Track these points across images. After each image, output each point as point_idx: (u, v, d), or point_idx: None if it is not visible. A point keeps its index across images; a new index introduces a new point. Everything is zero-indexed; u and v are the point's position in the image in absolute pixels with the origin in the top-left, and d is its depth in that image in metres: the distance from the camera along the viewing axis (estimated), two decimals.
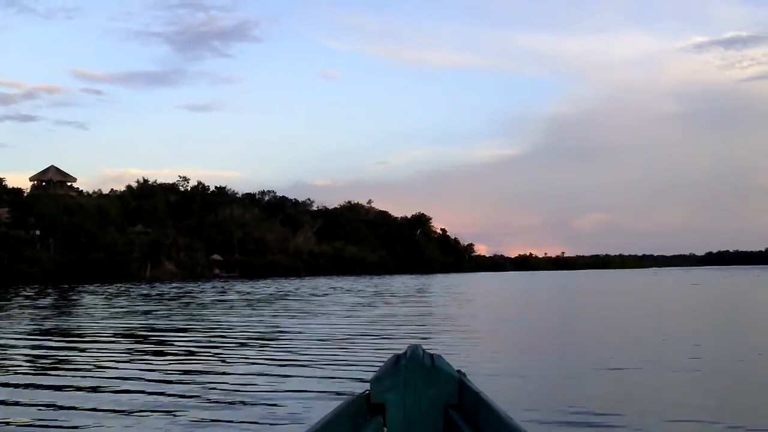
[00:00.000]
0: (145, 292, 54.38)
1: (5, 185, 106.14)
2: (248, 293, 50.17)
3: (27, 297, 47.49)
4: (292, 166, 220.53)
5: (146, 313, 29.76)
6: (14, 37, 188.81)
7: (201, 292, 52.48)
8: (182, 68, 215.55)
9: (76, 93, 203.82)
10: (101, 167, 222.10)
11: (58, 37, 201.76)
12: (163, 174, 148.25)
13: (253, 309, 31.86)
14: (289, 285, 68.80)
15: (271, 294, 48.32)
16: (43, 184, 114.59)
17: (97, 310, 32.53)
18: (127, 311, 31.19)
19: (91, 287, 65.44)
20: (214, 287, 62.98)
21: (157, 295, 48.34)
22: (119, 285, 72.70)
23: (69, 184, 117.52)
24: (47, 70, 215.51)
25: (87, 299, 43.41)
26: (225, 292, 51.48)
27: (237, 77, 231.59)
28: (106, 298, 44.98)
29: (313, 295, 46.79)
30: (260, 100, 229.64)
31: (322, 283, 75.63)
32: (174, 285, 70.63)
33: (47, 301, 42.12)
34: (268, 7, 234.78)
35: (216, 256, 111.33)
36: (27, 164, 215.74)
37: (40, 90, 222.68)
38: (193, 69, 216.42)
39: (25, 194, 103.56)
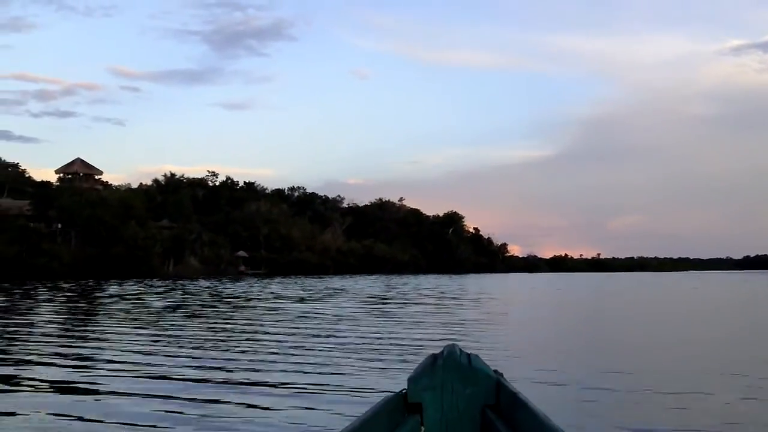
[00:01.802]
0: (173, 288, 51.89)
1: (30, 178, 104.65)
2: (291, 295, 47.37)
3: (51, 294, 45.10)
4: (324, 164, 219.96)
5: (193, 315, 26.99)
6: (54, 34, 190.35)
7: (244, 292, 49.43)
8: (218, 67, 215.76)
9: (115, 90, 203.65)
10: (137, 164, 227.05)
11: (97, 35, 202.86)
12: (197, 170, 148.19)
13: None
14: (331, 283, 66.21)
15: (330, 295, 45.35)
16: (69, 177, 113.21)
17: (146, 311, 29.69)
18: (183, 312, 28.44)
19: (112, 283, 63.13)
20: (250, 286, 60.02)
21: (196, 292, 45.35)
22: (138, 280, 70.49)
23: (96, 177, 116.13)
24: (86, 68, 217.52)
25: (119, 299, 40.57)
26: (267, 295, 48.54)
27: (272, 76, 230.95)
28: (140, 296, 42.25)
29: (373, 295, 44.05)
30: (294, 98, 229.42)
31: (364, 281, 73.10)
32: (207, 283, 68.08)
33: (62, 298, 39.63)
34: (304, 6, 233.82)
35: (241, 253, 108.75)
36: (64, 160, 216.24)
37: (79, 87, 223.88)
38: (229, 67, 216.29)
39: (53, 187, 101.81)
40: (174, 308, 30.24)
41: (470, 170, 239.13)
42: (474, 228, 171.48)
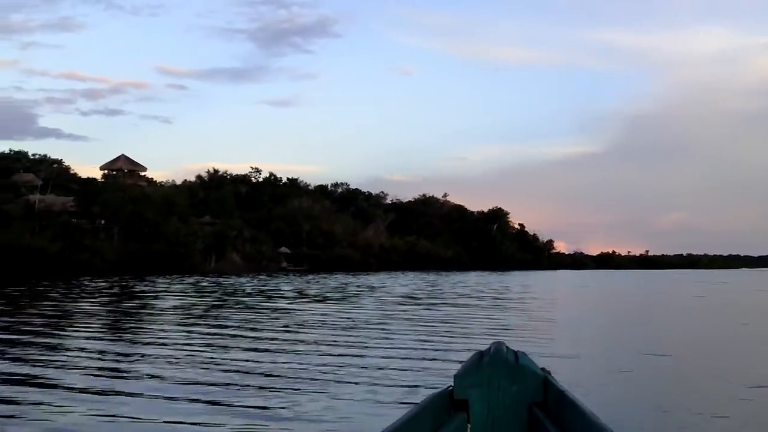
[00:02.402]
0: (204, 284, 51.27)
1: (75, 174, 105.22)
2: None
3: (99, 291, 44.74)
4: (368, 161, 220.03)
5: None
6: (103, 33, 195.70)
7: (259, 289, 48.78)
8: (264, 64, 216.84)
9: (162, 88, 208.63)
10: (182, 161, 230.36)
11: (145, 34, 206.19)
12: (241, 168, 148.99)
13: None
14: (368, 280, 65.35)
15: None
16: (113, 173, 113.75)
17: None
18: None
19: (153, 279, 62.86)
20: (307, 283, 59.37)
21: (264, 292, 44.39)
22: (179, 276, 70.22)
23: (140, 173, 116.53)
24: (134, 66, 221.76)
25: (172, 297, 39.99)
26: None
27: (316, 73, 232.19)
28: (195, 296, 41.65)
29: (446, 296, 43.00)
30: (339, 95, 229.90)
31: (403, 278, 72.11)
32: (254, 280, 67.52)
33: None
34: (348, 3, 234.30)
35: (284, 249, 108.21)
36: (111, 157, 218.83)
37: (127, 85, 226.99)
38: (274, 65, 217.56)
39: (97, 184, 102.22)
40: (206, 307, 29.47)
41: (515, 166, 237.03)
42: (519, 224, 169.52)
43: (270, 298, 37.32)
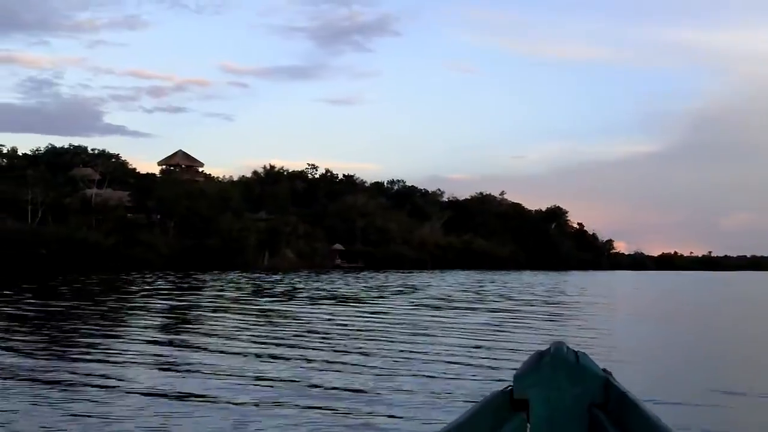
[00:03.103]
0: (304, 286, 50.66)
1: (134, 169, 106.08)
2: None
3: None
4: (427, 159, 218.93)
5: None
6: (167, 32, 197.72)
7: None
8: (323, 62, 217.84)
9: (224, 86, 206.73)
10: (242, 158, 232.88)
11: (208, 32, 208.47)
12: (299, 165, 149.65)
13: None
14: (415, 279, 64.24)
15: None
16: (171, 168, 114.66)
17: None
18: None
19: (208, 274, 62.66)
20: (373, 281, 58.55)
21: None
22: (235, 272, 70.01)
23: (198, 169, 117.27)
24: (197, 64, 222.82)
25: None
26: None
27: (376, 71, 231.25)
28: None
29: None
30: (398, 93, 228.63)
31: (453, 277, 70.88)
32: (310, 278, 66.96)
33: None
34: (408, 1, 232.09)
35: (338, 246, 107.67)
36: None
37: (190, 83, 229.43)
38: (334, 63, 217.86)
39: (153, 179, 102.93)
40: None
41: (575, 165, 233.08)
42: (578, 223, 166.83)
43: (338, 298, 36.39)
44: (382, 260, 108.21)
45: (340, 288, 45.87)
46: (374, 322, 23.29)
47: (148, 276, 59.33)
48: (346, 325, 22.14)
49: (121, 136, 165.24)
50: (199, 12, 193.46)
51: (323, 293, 39.08)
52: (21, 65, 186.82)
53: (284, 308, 29.06)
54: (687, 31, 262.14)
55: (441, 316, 26.02)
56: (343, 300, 34.30)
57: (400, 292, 41.63)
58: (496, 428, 1.96)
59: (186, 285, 47.09)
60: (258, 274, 68.71)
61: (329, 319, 23.91)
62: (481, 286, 52.15)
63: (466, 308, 30.25)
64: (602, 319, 27.02)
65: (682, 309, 36.20)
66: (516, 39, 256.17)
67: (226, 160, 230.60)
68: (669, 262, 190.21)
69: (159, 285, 46.29)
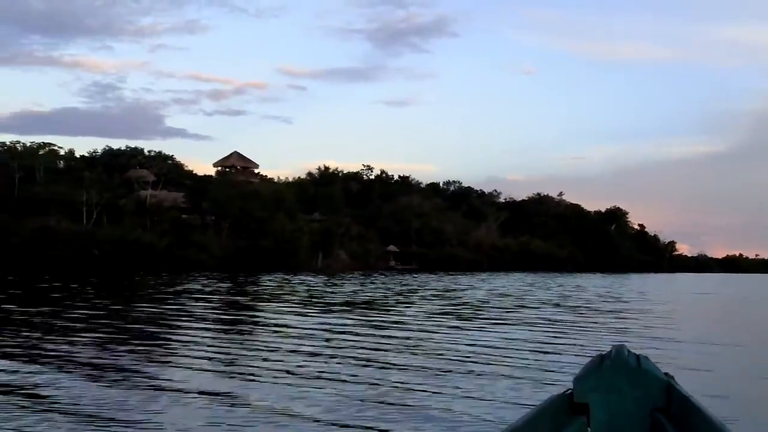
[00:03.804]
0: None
1: (189, 171, 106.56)
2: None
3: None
4: (485, 160, 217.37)
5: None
6: (226, 35, 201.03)
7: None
8: (381, 64, 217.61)
9: (282, 89, 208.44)
10: (300, 159, 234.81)
11: (266, 35, 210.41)
12: (354, 166, 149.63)
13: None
14: (460, 281, 62.85)
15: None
16: (226, 169, 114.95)
17: None
18: None
19: (261, 276, 62.18)
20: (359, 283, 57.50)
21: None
22: (290, 274, 69.50)
23: (252, 170, 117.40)
24: (256, 67, 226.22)
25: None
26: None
27: (433, 72, 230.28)
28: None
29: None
30: (456, 95, 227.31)
31: (502, 280, 69.34)
32: (364, 280, 66.09)
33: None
34: (466, 2, 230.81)
35: (392, 247, 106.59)
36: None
37: (249, 86, 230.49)
38: (391, 65, 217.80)
39: (207, 180, 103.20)
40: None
41: (635, 166, 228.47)
42: (639, 225, 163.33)
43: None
44: (436, 262, 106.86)
45: (361, 292, 43.86)
46: (365, 334, 19.88)
47: (201, 277, 59.02)
48: (313, 334, 19.36)
49: (182, 138, 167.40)
50: (258, 16, 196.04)
51: (338, 298, 36.85)
52: (85, 70, 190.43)
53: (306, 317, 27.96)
54: (748, 29, 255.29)
55: (455, 329, 21.63)
56: (349, 306, 30.79)
57: (432, 297, 39.43)
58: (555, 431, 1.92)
59: (244, 289, 46.47)
60: (316, 277, 68.02)
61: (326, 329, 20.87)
62: (528, 290, 50.30)
63: (494, 318, 25.69)
64: (663, 325, 25.35)
65: (751, 314, 34.29)
66: (575, 39, 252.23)
67: (283, 161, 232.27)
68: (734, 264, 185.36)
69: (217, 287, 45.77)
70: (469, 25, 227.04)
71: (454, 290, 47.93)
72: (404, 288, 49.07)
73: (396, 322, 23.24)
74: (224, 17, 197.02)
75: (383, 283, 56.05)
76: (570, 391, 2.00)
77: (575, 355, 15.32)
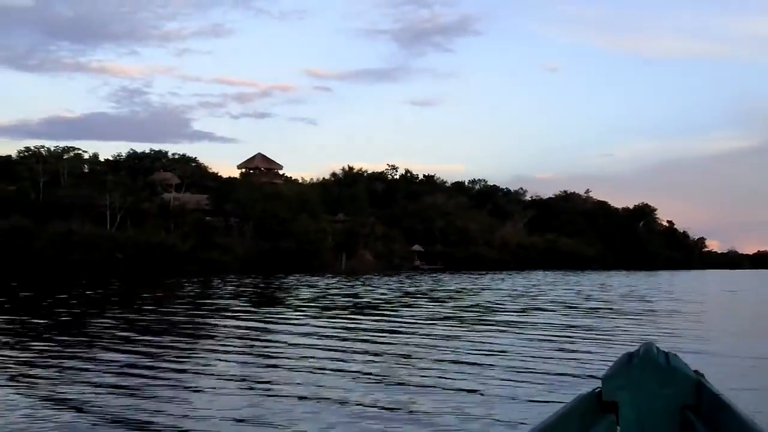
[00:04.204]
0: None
1: (213, 173, 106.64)
2: None
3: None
4: (511, 159, 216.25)
5: None
6: (252, 39, 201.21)
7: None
8: (406, 64, 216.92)
9: (308, 91, 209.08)
10: (325, 161, 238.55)
11: (291, 38, 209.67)
12: (380, 166, 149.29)
13: None
14: (479, 281, 62.11)
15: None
16: (250, 171, 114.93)
17: None
18: None
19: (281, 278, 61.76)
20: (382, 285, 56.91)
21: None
22: (315, 276, 69.09)
23: (276, 171, 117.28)
24: (281, 70, 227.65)
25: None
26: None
27: (458, 71, 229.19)
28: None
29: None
30: (481, 93, 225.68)
31: (522, 279, 68.47)
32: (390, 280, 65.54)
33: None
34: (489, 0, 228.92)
35: (417, 247, 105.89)
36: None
37: (275, 88, 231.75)
38: (416, 65, 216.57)
39: (230, 182, 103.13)
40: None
41: (664, 162, 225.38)
42: (667, 221, 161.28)
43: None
44: (462, 261, 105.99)
45: (370, 291, 43.27)
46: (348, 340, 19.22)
47: (217, 280, 58.72)
48: (284, 342, 18.66)
49: (209, 142, 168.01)
50: (283, 19, 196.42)
51: (341, 298, 36.33)
52: (113, 75, 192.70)
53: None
54: None
55: (451, 337, 20.36)
56: (353, 308, 30.03)
57: (445, 299, 38.21)
58: (585, 431, 1.91)
59: (269, 292, 46.07)
60: (328, 278, 67.59)
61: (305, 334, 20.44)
62: (547, 289, 49.34)
63: (501, 324, 23.67)
64: (690, 327, 24.53)
65: None
66: (602, 34, 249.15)
67: (308, 163, 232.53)
68: (765, 260, 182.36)
69: (245, 290, 45.41)
70: (493, 22, 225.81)
71: (472, 290, 47.42)
72: (416, 288, 48.49)
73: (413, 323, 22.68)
74: (249, 20, 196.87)
75: (407, 284, 55.47)
76: (598, 389, 1.97)
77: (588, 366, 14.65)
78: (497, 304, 34.29)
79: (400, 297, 39.74)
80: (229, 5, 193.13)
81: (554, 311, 29.91)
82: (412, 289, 47.71)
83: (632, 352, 2.02)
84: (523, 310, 30.26)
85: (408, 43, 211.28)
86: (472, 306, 32.88)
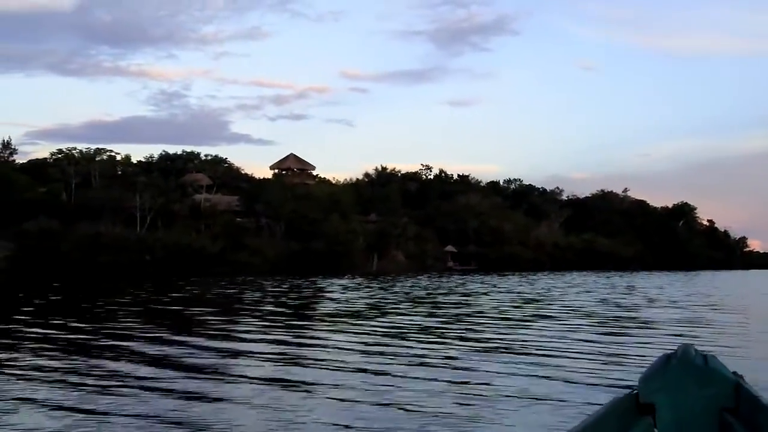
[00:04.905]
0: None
1: (245, 174, 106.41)
2: None
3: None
4: (548, 159, 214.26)
5: None
6: (288, 41, 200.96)
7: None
8: (442, 64, 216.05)
9: (344, 92, 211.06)
10: (361, 162, 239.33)
11: (327, 40, 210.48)
12: (414, 167, 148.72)
13: None
14: (502, 282, 60.69)
15: None
16: (283, 172, 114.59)
17: None
18: None
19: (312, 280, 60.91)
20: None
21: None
22: (347, 277, 68.18)
23: (309, 172, 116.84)
24: (317, 72, 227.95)
25: None
26: None
27: (495, 71, 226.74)
28: None
29: None
30: (517, 93, 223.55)
31: (549, 280, 66.95)
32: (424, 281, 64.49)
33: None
34: None
35: (450, 248, 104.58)
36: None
37: (311, 90, 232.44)
38: (453, 65, 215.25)
39: (261, 182, 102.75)
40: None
41: (705, 161, 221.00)
42: (708, 220, 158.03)
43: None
44: (496, 262, 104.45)
45: (360, 297, 41.48)
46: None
47: (241, 284, 58.01)
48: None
49: (246, 144, 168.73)
50: (319, 21, 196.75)
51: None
52: (151, 78, 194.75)
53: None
54: None
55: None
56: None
57: (446, 306, 35.58)
58: None
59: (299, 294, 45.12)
60: (346, 281, 66.61)
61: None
62: (562, 292, 47.34)
63: (495, 341, 19.70)
64: (735, 325, 23.20)
65: None
66: (638, 33, 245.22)
67: (342, 163, 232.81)
68: None
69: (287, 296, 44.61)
70: (530, 22, 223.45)
71: (476, 293, 46.06)
72: (422, 291, 47.28)
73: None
74: (285, 23, 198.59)
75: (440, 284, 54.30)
76: (635, 391, 1.94)
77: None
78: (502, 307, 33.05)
79: (394, 302, 38.65)
80: (266, 8, 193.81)
81: (563, 319, 28.26)
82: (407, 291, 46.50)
83: (670, 354, 1.97)
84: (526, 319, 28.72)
85: (445, 44, 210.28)
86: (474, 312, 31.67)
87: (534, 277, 77.53)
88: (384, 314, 28.24)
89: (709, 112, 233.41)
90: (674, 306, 34.22)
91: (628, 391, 1.94)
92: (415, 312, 29.79)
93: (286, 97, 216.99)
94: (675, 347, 1.97)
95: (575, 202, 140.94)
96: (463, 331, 21.87)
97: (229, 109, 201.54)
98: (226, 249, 76.41)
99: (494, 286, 54.26)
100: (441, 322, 25.43)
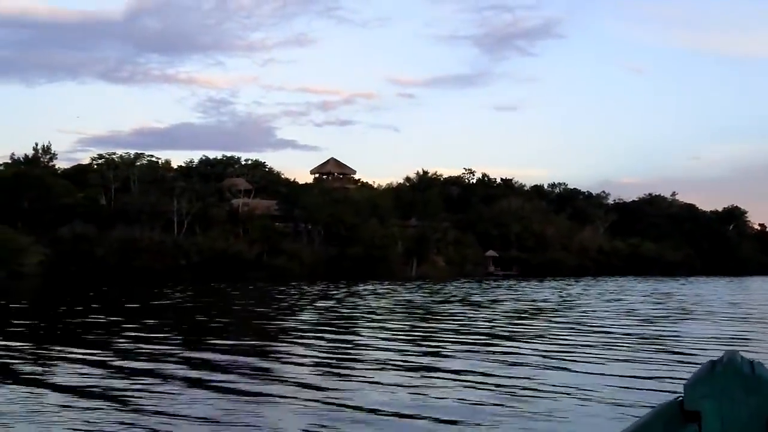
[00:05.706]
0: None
1: (285, 178, 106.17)
2: None
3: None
4: (595, 163, 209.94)
5: None
6: (334, 47, 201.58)
7: None
8: (488, 69, 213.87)
9: (390, 98, 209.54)
10: (407, 167, 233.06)
11: (373, 45, 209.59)
12: (456, 171, 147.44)
13: None
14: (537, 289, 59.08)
15: None
16: (323, 176, 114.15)
17: None
18: None
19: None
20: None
21: None
22: (386, 283, 67.12)
23: (350, 176, 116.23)
24: (364, 77, 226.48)
25: None
26: None
27: (541, 75, 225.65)
28: None
29: None
30: (563, 97, 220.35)
31: (583, 286, 65.09)
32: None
33: None
34: (572, 2, 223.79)
35: (491, 252, 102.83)
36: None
37: (357, 96, 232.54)
38: (498, 69, 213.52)
39: (300, 187, 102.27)
40: None
41: (756, 164, 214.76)
42: (760, 224, 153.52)
43: None
44: (538, 267, 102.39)
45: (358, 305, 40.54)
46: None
47: (292, 289, 57.24)
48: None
49: (293, 150, 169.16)
50: (364, 26, 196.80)
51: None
52: (200, 86, 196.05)
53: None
54: None
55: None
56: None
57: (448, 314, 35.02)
58: None
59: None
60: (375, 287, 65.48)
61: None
62: (586, 302, 45.98)
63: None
64: None
65: None
66: (687, 34, 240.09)
67: (386, 168, 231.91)
68: None
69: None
70: (576, 25, 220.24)
71: (482, 303, 44.54)
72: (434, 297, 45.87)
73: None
74: (332, 29, 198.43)
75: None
76: (681, 398, 1.89)
77: None
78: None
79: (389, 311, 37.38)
80: (313, 15, 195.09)
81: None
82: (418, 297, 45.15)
83: (716, 360, 1.91)
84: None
85: (490, 48, 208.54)
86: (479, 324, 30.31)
87: (571, 283, 75.64)
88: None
89: (761, 114, 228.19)
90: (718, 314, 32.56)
91: (673, 397, 1.88)
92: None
93: (333, 103, 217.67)
94: (720, 353, 1.92)
95: (621, 206, 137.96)
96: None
97: (275, 115, 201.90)
98: (263, 254, 75.87)
99: (520, 293, 52.76)
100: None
